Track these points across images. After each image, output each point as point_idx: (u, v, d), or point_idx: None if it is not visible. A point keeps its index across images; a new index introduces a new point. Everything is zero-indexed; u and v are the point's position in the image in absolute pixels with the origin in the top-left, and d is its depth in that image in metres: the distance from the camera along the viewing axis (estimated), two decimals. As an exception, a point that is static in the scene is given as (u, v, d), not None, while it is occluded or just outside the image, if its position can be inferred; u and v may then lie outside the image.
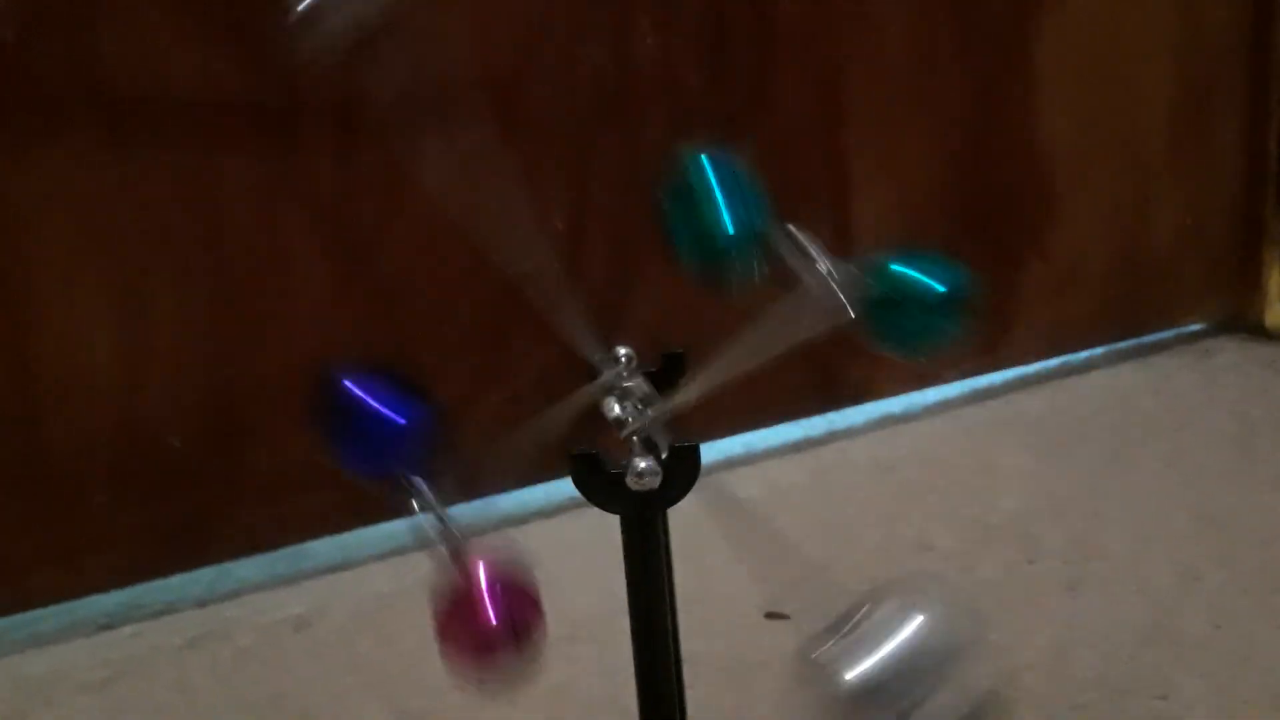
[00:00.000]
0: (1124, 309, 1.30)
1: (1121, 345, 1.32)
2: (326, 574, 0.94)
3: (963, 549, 0.90)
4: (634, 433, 0.41)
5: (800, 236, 0.39)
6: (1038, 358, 1.27)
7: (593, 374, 0.43)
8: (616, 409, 0.42)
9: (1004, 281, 1.22)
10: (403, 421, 0.40)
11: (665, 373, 0.45)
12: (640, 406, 0.42)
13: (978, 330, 0.41)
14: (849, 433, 1.16)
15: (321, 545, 0.96)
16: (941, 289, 0.39)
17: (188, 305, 0.89)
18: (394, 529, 0.99)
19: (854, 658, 0.36)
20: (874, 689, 0.35)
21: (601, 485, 0.40)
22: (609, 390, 0.42)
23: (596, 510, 0.42)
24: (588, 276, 0.98)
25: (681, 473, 0.40)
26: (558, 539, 0.92)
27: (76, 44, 0.83)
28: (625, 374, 0.43)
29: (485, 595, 0.39)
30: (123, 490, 0.89)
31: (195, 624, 0.88)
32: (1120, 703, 0.70)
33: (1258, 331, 1.32)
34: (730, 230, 0.39)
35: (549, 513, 1.01)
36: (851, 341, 1.32)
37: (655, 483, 0.39)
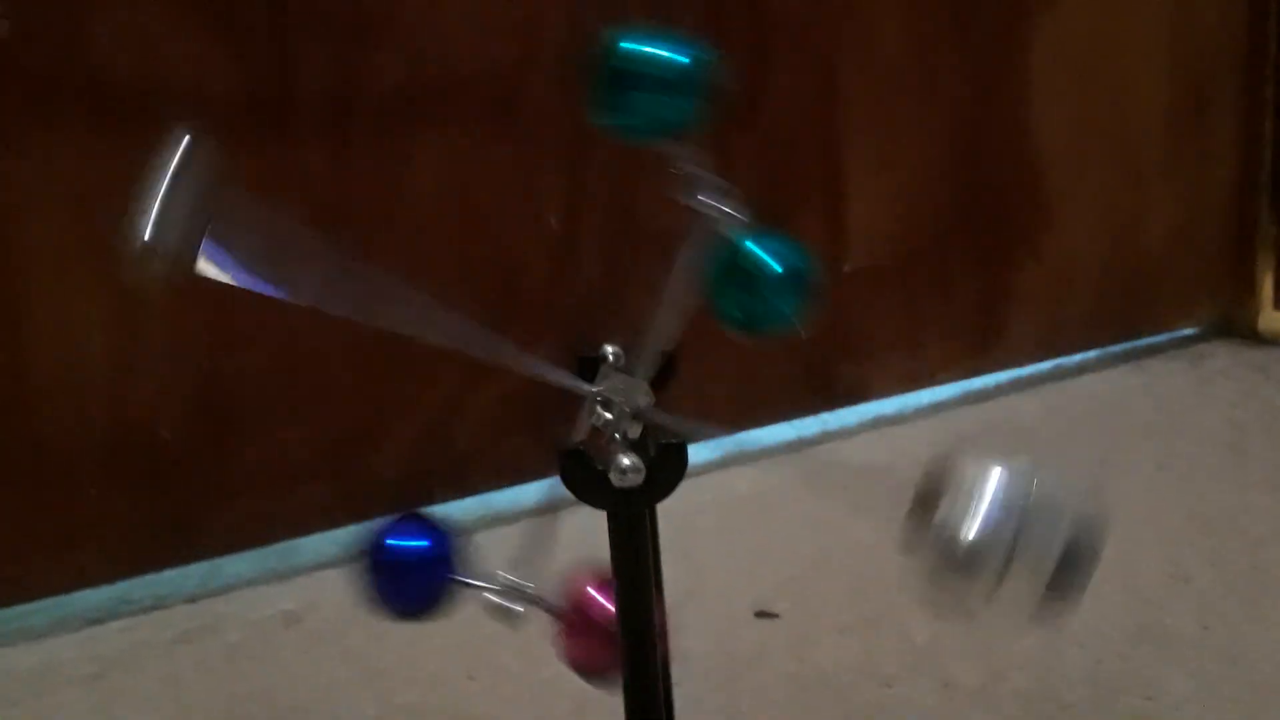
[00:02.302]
0: (1117, 312, 1.31)
1: (1114, 348, 1.32)
2: (317, 569, 0.94)
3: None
4: (616, 430, 0.41)
5: (688, 164, 0.40)
6: (1030, 360, 1.27)
7: (584, 372, 0.43)
8: (605, 415, 0.42)
9: (997, 283, 1.22)
10: (431, 546, 0.43)
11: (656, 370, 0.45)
12: (623, 404, 0.42)
13: (812, 314, 0.41)
14: (842, 433, 1.16)
15: (312, 540, 0.96)
16: (779, 268, 0.40)
17: (180, 297, 0.89)
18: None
19: (962, 516, 0.36)
20: (988, 541, 0.36)
21: (588, 482, 0.40)
22: (595, 398, 0.42)
23: (588, 508, 0.42)
24: (581, 274, 0.98)
25: (667, 469, 0.40)
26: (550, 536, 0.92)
27: (70, 36, 0.82)
28: (608, 374, 0.42)
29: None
30: (114, 484, 0.89)
31: (185, 619, 0.88)
32: (1109, 702, 0.70)
33: (1250, 336, 1.33)
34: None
35: (542, 510, 1.01)
36: (845, 342, 1.32)
37: (639, 479, 0.39)
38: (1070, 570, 0.36)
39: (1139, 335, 1.33)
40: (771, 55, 1.06)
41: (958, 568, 0.36)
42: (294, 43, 0.89)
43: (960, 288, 1.21)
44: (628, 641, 0.43)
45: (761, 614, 0.83)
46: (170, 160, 0.38)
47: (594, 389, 0.41)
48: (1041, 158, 1.21)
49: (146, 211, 0.39)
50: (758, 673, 0.76)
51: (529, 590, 0.44)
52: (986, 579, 0.36)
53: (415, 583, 0.44)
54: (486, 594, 0.44)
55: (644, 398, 0.41)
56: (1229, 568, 0.85)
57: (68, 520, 0.88)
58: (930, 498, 0.37)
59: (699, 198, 0.39)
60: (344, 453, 0.96)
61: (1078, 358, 1.30)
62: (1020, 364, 1.26)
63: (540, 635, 0.80)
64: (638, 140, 0.39)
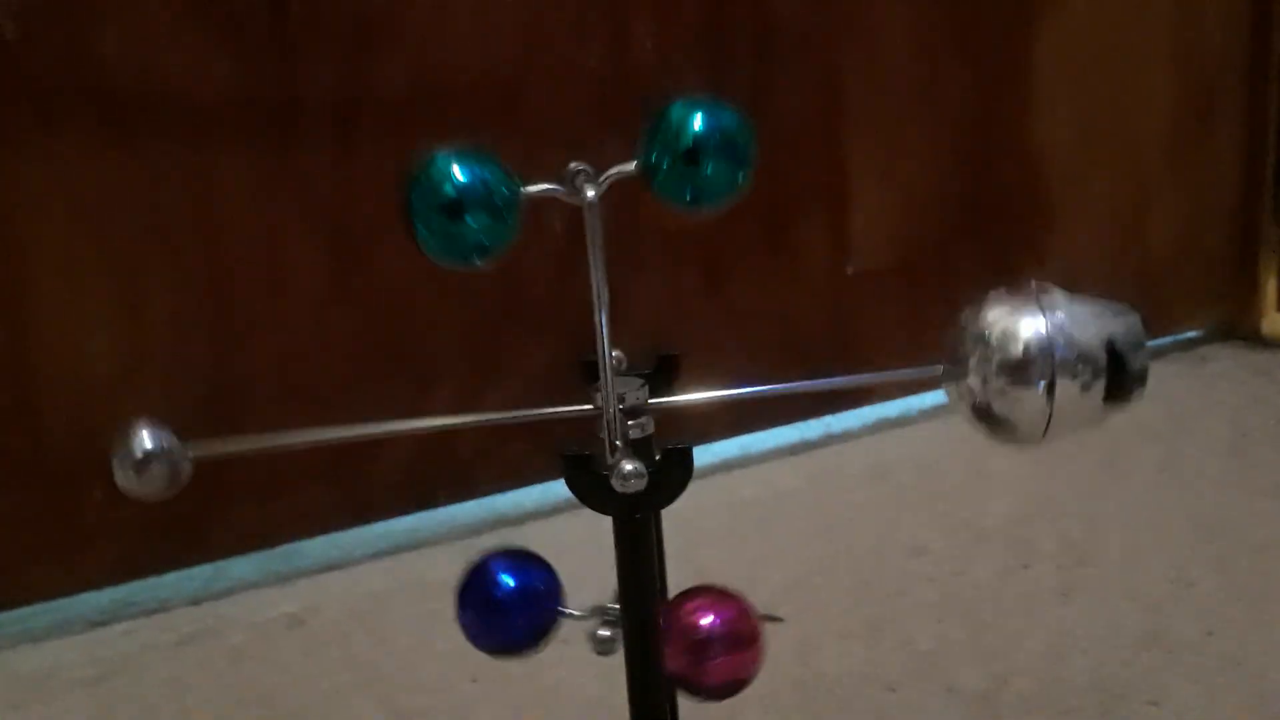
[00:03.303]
0: (1120, 315, 1.30)
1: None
2: (320, 572, 0.94)
3: (957, 553, 0.90)
4: (621, 436, 0.41)
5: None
6: (1034, 363, 1.27)
7: (586, 377, 0.43)
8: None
9: (1001, 286, 1.22)
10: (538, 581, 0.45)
11: (659, 374, 0.45)
12: (625, 409, 0.42)
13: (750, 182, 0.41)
14: (845, 436, 1.16)
15: (315, 543, 0.96)
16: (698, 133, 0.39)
17: (184, 301, 0.89)
18: (388, 528, 0.99)
19: (1008, 332, 0.37)
20: (1040, 346, 0.36)
21: (593, 487, 0.40)
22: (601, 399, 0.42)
23: (590, 511, 0.42)
24: (585, 276, 0.98)
25: (672, 476, 0.40)
26: (554, 539, 0.92)
27: (75, 40, 0.83)
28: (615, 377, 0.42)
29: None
30: (117, 487, 0.89)
31: (189, 622, 0.88)
32: (1113, 708, 0.70)
33: (1254, 339, 1.33)
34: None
35: (545, 513, 1.01)
36: (848, 345, 1.32)
37: (641, 485, 0.39)
38: (1122, 366, 0.36)
39: (1142, 338, 1.33)
40: (776, 60, 1.06)
41: (1015, 378, 0.36)
42: (298, 48, 0.89)
43: (963, 291, 1.20)
44: (632, 644, 0.43)
45: (765, 618, 0.83)
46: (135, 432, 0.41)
47: (604, 403, 0.41)
48: (1045, 162, 1.21)
49: (137, 440, 0.42)
50: (761, 677, 0.76)
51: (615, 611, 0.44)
52: (1045, 385, 0.36)
53: (522, 619, 0.44)
54: (590, 625, 0.44)
55: (643, 399, 0.41)
56: (1233, 572, 0.85)
57: (71, 523, 0.88)
58: (963, 335, 0.37)
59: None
60: (347, 456, 0.96)
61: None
62: (1024, 367, 1.26)
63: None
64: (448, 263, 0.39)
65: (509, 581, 0.45)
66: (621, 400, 0.41)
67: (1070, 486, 1.01)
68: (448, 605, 0.46)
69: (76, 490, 0.88)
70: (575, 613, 0.45)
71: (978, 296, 0.38)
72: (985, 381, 0.37)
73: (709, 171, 0.39)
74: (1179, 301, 1.33)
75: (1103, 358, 0.36)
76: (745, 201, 0.42)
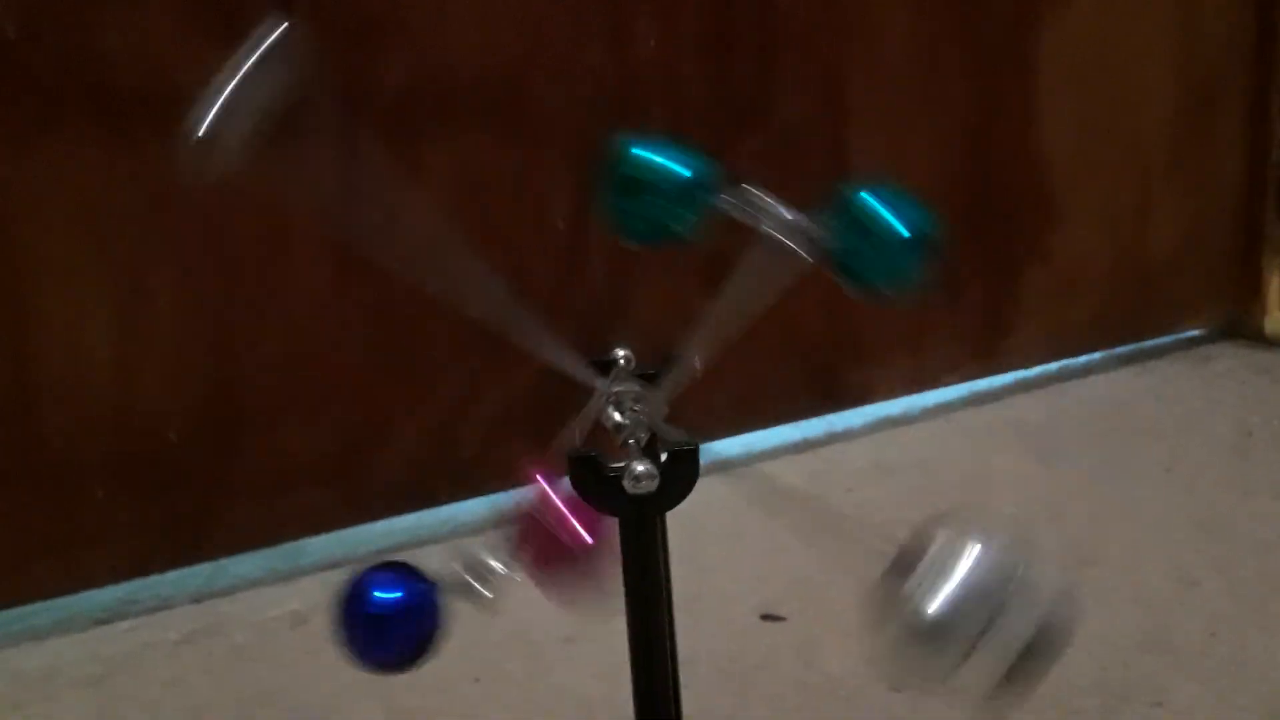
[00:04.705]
0: (1123, 314, 1.30)
1: (1121, 350, 1.32)
2: (322, 571, 0.94)
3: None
4: (630, 436, 0.41)
5: (756, 192, 0.39)
6: (1037, 362, 1.27)
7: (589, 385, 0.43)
8: (615, 415, 0.42)
9: (1004, 285, 1.22)
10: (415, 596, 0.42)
11: (664, 373, 0.45)
12: (636, 408, 0.42)
13: (936, 273, 0.41)
14: (847, 434, 1.16)
15: (317, 542, 0.96)
16: (905, 231, 0.39)
17: (186, 300, 0.89)
18: (390, 526, 0.99)
19: (929, 590, 0.36)
20: (955, 618, 0.35)
21: (600, 487, 0.40)
22: (607, 397, 0.42)
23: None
24: (588, 277, 0.98)
25: (680, 476, 0.40)
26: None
27: (76, 38, 0.82)
28: (620, 377, 0.42)
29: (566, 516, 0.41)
30: (119, 485, 0.89)
31: (191, 620, 0.88)
32: (1116, 708, 0.70)
33: (1257, 338, 1.32)
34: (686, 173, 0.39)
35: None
36: (851, 345, 1.32)
37: (653, 485, 0.39)
38: (1032, 660, 0.36)
39: (1145, 337, 1.33)
40: (780, 61, 1.06)
41: (918, 641, 0.36)
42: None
43: (966, 290, 1.21)
44: (637, 645, 0.43)
45: (768, 617, 0.83)
46: (254, 51, 0.37)
47: (609, 388, 0.41)
48: (1048, 161, 1.21)
49: (211, 103, 0.37)
50: (765, 676, 0.76)
51: (494, 563, 0.42)
52: (946, 657, 0.35)
53: (400, 635, 0.42)
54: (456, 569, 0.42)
55: (661, 408, 0.41)
56: (1236, 573, 0.85)
57: (74, 522, 0.88)
58: (907, 564, 0.37)
59: (765, 227, 0.39)
60: (349, 454, 0.96)
61: (1083, 360, 1.30)
62: (1026, 366, 1.26)
63: (546, 640, 0.80)
64: (639, 243, 0.39)
65: (387, 597, 0.43)
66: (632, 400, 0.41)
67: (1073, 486, 1.01)
68: (449, 604, 0.46)
69: (78, 489, 0.88)
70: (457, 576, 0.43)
71: (934, 522, 0.38)
72: (904, 615, 0.36)
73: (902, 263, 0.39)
74: (1182, 301, 1.33)
75: (1020, 647, 0.36)
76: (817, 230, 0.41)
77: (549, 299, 0.99)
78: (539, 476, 0.42)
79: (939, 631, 0.35)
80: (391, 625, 0.42)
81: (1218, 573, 0.85)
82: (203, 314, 0.90)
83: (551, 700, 0.73)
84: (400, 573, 0.43)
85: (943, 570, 0.36)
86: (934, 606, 0.35)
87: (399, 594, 0.42)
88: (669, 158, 0.39)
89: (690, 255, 1.12)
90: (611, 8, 0.98)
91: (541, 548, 0.41)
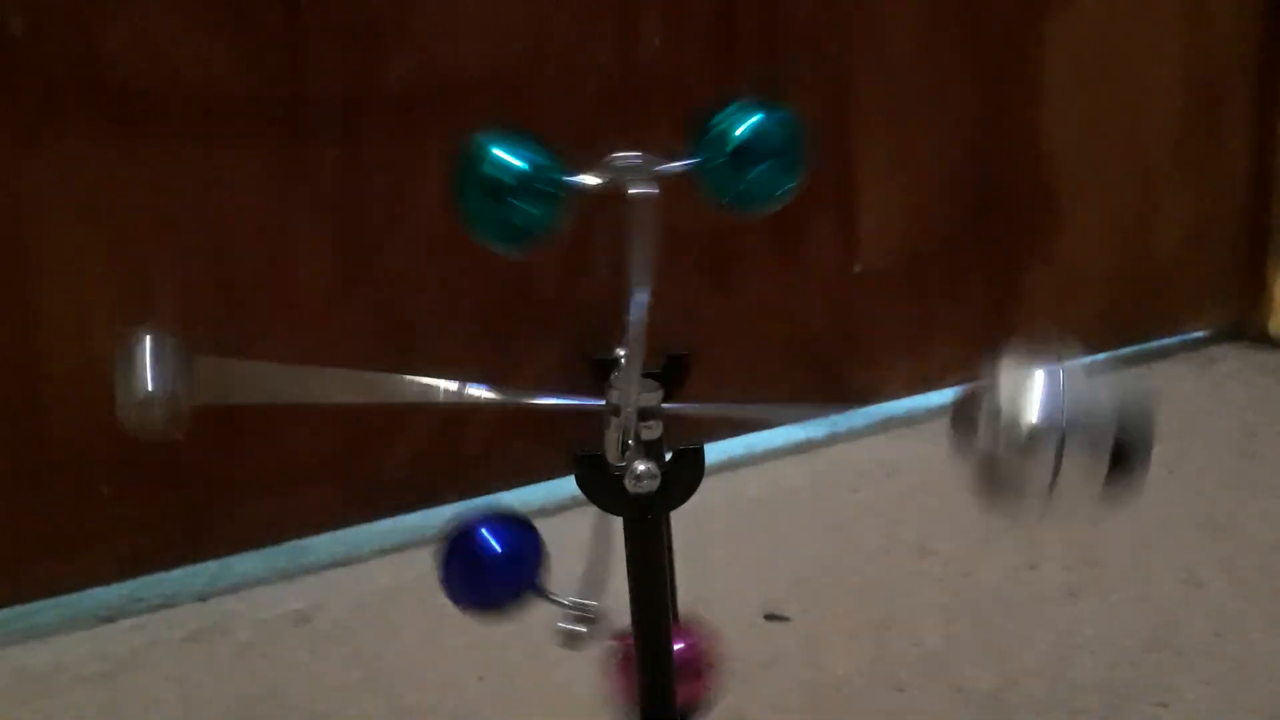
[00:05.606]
0: (1128, 315, 1.30)
1: (1125, 351, 1.31)
2: (327, 569, 0.94)
3: (964, 553, 0.90)
4: (633, 436, 0.41)
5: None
6: (1041, 362, 1.27)
7: (595, 375, 0.43)
8: (611, 416, 0.41)
9: (1007, 286, 1.22)
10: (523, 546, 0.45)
11: (668, 374, 0.45)
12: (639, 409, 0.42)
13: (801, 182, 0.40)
14: (851, 435, 1.16)
15: (322, 540, 0.96)
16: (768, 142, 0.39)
17: (191, 298, 0.89)
18: (395, 525, 0.99)
19: (1019, 402, 0.36)
20: (1048, 424, 0.35)
21: (605, 487, 0.40)
22: (610, 396, 0.42)
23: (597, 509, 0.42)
24: (592, 277, 0.98)
25: (684, 476, 0.40)
26: (561, 538, 0.92)
27: (83, 36, 0.83)
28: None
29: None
30: (125, 483, 0.89)
31: (195, 618, 0.88)
32: (1121, 709, 0.70)
33: (1261, 339, 1.32)
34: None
35: (550, 511, 1.01)
36: (855, 344, 1.32)
37: (654, 485, 0.39)
38: (1127, 453, 0.36)
39: (1149, 338, 1.33)
40: (785, 58, 1.06)
41: (1019, 451, 0.35)
42: (306, 44, 0.89)
43: (971, 290, 1.21)
44: (642, 645, 0.43)
45: (772, 617, 0.83)
46: (140, 352, 0.41)
47: (608, 402, 0.41)
48: (1052, 160, 1.20)
49: (139, 374, 0.41)
50: (769, 676, 0.76)
51: (594, 608, 0.44)
52: (1047, 462, 0.35)
53: (500, 581, 0.44)
54: (561, 619, 0.44)
55: (655, 401, 0.41)
56: (1241, 573, 0.85)
57: (79, 519, 0.88)
58: (974, 400, 0.37)
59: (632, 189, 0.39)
60: (353, 453, 0.96)
61: (1088, 360, 1.29)
62: (1030, 367, 1.26)
63: (550, 638, 0.80)
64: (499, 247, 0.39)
65: (494, 544, 0.44)
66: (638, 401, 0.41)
67: (1078, 487, 1.01)
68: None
69: (84, 486, 0.88)
70: (559, 597, 0.45)
71: (999, 354, 0.38)
72: (992, 447, 0.36)
73: (756, 174, 0.39)
74: (1187, 301, 1.33)
75: (1110, 441, 0.36)
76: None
77: (551, 299, 0.99)
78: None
79: (1036, 436, 0.35)
80: (495, 571, 0.43)
81: (1223, 573, 0.85)
82: (208, 311, 0.90)
83: (556, 698, 0.73)
84: (507, 521, 0.44)
85: (1022, 386, 0.36)
86: (1029, 413, 0.35)
87: (506, 542, 0.43)
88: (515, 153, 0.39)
89: (692, 255, 1.12)
90: (617, 6, 0.98)
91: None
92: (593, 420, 0.42)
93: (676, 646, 0.44)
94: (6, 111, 0.82)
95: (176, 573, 0.93)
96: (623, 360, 0.40)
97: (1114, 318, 1.29)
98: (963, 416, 0.37)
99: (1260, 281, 1.32)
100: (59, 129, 0.83)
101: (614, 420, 0.41)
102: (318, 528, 0.96)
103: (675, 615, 0.48)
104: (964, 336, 1.21)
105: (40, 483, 0.87)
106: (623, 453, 0.40)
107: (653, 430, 0.42)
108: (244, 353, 0.98)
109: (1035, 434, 0.35)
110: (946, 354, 1.21)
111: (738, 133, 0.39)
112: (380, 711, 0.74)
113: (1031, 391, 0.36)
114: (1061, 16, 1.16)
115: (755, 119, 0.40)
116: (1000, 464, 0.36)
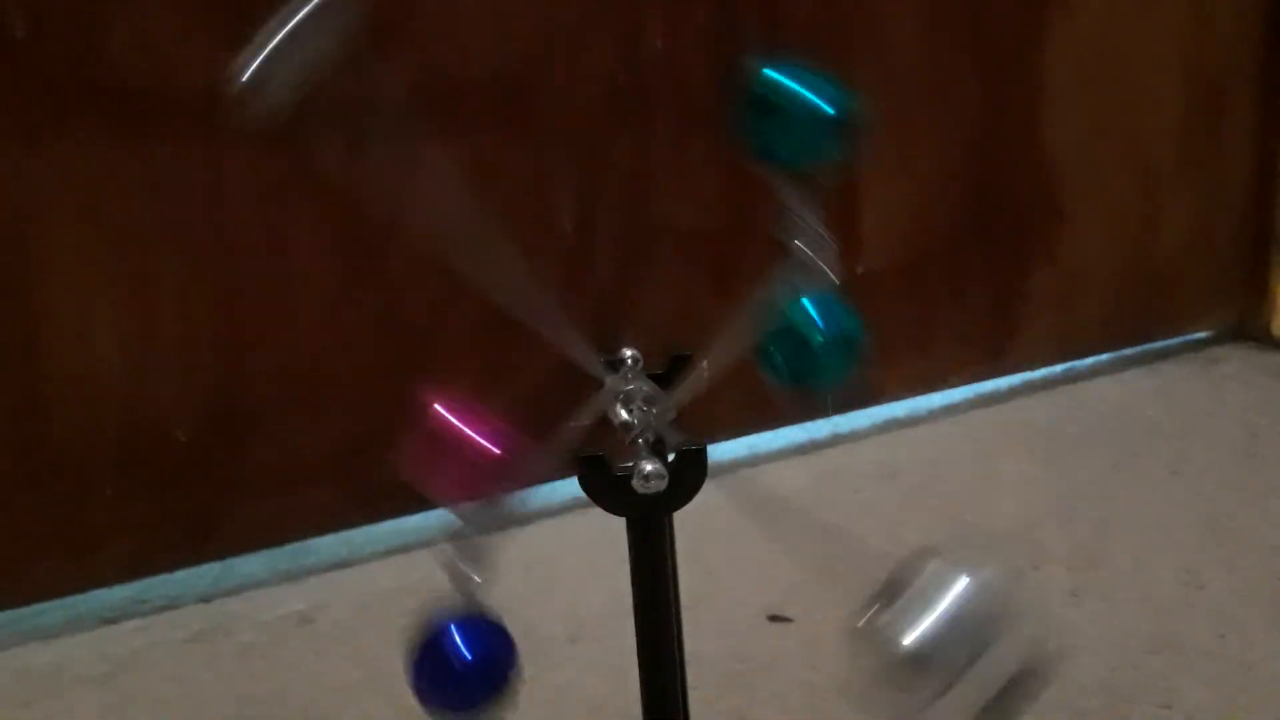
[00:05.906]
0: (1131, 316, 1.30)
1: (1128, 352, 1.31)
2: (330, 570, 0.94)
3: (966, 554, 0.90)
4: (640, 435, 0.41)
5: (798, 206, 0.39)
6: (1044, 363, 1.27)
7: (598, 379, 0.43)
8: (623, 413, 0.42)
9: (1010, 286, 1.22)
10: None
11: (672, 374, 0.45)
12: (645, 408, 0.42)
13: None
14: (853, 436, 1.16)
15: (325, 541, 0.96)
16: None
17: (194, 299, 0.89)
18: (397, 526, 0.99)
19: (909, 622, 0.35)
20: (931, 651, 0.35)
21: (609, 488, 0.40)
22: (615, 395, 0.42)
23: (601, 509, 0.42)
24: (595, 277, 0.98)
25: (688, 476, 0.40)
26: (562, 539, 0.92)
27: (85, 38, 0.83)
28: (630, 376, 0.42)
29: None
30: (128, 484, 0.89)
31: (199, 619, 0.88)
32: (1124, 710, 0.70)
33: (1264, 340, 1.32)
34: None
35: (553, 512, 1.01)
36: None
37: (662, 485, 0.39)
38: (1009, 699, 0.35)
39: (1152, 339, 1.33)
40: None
41: (894, 673, 0.35)
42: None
43: (973, 290, 1.21)
44: (646, 647, 0.43)
45: (775, 618, 0.83)
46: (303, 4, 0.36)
47: (619, 386, 0.41)
48: (1055, 161, 1.20)
49: (258, 49, 0.39)
50: (771, 677, 0.76)
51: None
52: (922, 688, 0.35)
53: (473, 689, 0.42)
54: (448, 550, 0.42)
55: (669, 411, 0.41)
56: (1244, 574, 0.85)
57: (82, 521, 0.88)
58: (892, 593, 0.37)
59: (795, 242, 0.39)
60: (356, 454, 0.96)
61: (1090, 361, 1.30)
62: (1033, 367, 1.26)
63: (552, 639, 0.80)
64: (776, 166, 0.39)
65: (465, 651, 0.43)
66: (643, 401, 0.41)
67: (1080, 488, 1.01)
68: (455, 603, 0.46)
69: (87, 488, 0.88)
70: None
71: (926, 552, 0.37)
72: (882, 644, 0.36)
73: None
74: (1189, 302, 1.33)
75: (998, 685, 0.36)
76: (755, 201, 0.41)
77: (557, 299, 0.99)
78: (437, 405, 0.42)
79: (915, 664, 0.35)
80: (469, 681, 0.41)
81: (1226, 574, 0.85)
82: (210, 313, 0.90)
83: (557, 700, 0.73)
84: (479, 626, 0.42)
85: (926, 602, 0.35)
86: (911, 639, 0.35)
87: (478, 650, 0.42)
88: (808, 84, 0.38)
89: (695, 256, 1.12)
90: (619, 7, 0.98)
91: (448, 472, 0.41)
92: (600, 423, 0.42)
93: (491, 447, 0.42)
94: (8, 112, 0.82)
95: (179, 574, 0.93)
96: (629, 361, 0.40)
97: (1116, 319, 1.29)
98: (877, 604, 0.36)
99: (1262, 282, 1.32)
100: (60, 129, 0.83)
101: (618, 408, 0.41)
102: (320, 529, 0.96)
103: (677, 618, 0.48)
104: (966, 337, 1.21)
105: (42, 484, 0.87)
106: (628, 447, 0.40)
107: (654, 431, 0.42)
108: (244, 352, 0.98)
109: (914, 660, 0.35)
110: (948, 354, 1.21)
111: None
112: (382, 712, 0.74)
113: (933, 609, 0.35)
114: (1064, 20, 1.17)
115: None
116: (880, 675, 0.35)
